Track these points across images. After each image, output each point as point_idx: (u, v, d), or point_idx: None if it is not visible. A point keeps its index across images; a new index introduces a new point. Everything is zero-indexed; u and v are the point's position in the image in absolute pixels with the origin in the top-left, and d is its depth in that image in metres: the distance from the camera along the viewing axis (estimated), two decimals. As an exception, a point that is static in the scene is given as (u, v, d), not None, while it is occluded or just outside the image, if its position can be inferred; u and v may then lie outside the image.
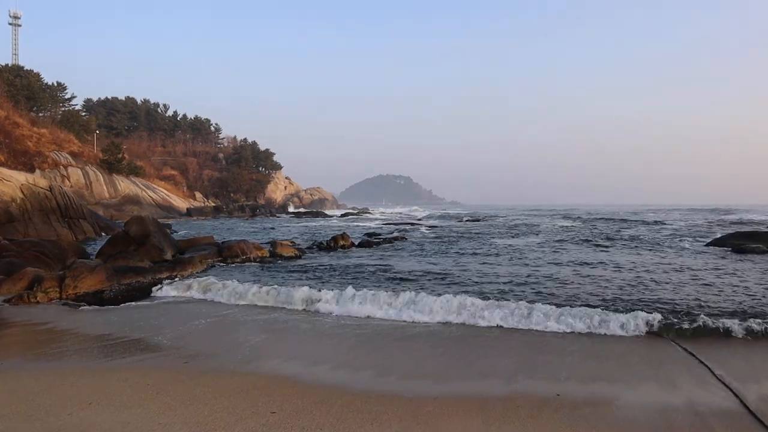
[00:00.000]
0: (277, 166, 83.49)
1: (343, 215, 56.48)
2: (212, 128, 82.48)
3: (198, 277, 10.78)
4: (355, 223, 36.81)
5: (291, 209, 72.24)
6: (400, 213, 67.53)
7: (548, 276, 10.36)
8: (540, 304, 7.19)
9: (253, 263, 13.01)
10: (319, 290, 8.18)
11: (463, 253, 15.09)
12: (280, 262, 13.34)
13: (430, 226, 30.90)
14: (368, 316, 6.86)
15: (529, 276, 10.29)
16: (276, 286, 8.75)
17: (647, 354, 5.39)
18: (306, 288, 8.19)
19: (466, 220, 41.67)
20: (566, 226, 29.96)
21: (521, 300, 7.78)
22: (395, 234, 23.69)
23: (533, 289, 8.88)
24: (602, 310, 6.82)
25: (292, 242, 17.89)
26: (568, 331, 6.10)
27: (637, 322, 6.15)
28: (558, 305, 7.25)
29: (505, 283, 9.52)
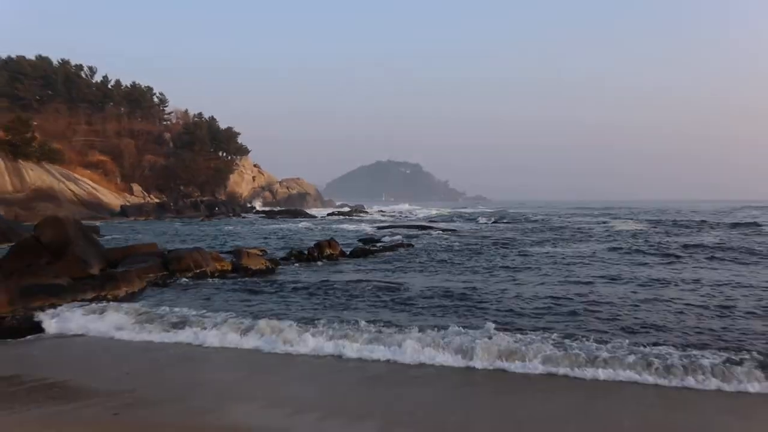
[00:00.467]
0: (243, 151, 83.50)
1: (330, 215, 56.61)
2: (156, 99, 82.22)
3: (134, 301, 10.71)
4: (346, 226, 36.86)
5: (258, 206, 72.00)
6: (406, 211, 67.71)
7: (604, 299, 10.34)
8: (592, 340, 7.13)
9: (210, 280, 13.04)
10: (297, 323, 8.13)
11: (489, 267, 15.11)
12: (246, 278, 13.36)
13: (444, 230, 30.97)
14: (361, 359, 6.79)
15: (577, 299, 10.27)
16: (235, 315, 8.72)
17: (755, 411, 5.28)
18: (276, 322, 8.13)
19: (493, 222, 41.87)
20: (627, 230, 29.96)
21: (568, 334, 7.71)
22: (399, 240, 23.90)
23: (583, 317, 8.86)
24: (682, 349, 6.75)
25: (262, 251, 17.92)
26: (636, 380, 5.90)
27: (735, 369, 5.88)
28: (615, 341, 7.18)
29: (545, 308, 9.49)
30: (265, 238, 27.27)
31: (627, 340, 7.16)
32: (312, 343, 7.28)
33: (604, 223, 38.73)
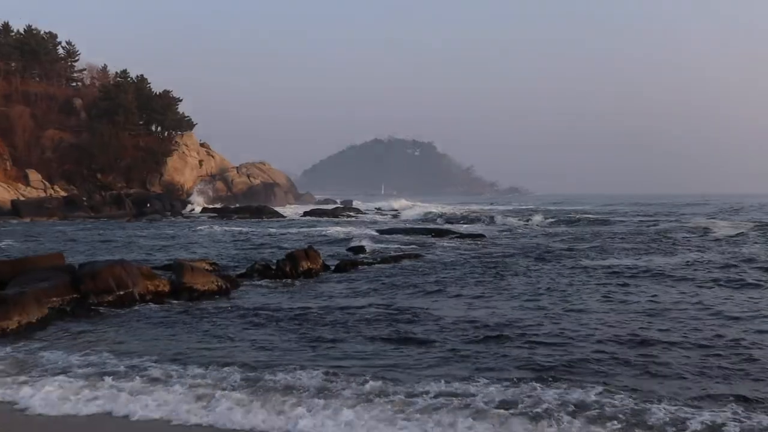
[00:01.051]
0: (186, 124, 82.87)
1: (308, 214, 56.46)
2: (61, 51, 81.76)
3: (30, 337, 10.44)
4: (330, 229, 36.74)
5: (201, 203, 69.82)
6: (404, 207, 67.42)
7: (691, 340, 10.10)
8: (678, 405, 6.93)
9: (139, 306, 12.87)
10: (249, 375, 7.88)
11: (533, 289, 14.99)
12: (190, 303, 13.24)
13: (466, 235, 30.91)
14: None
15: (662, 343, 9.95)
16: (156, 360, 8.41)
17: None
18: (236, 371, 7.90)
19: (537, 224, 41.78)
20: (726, 237, 29.75)
21: (642, 393, 7.47)
22: (404, 249, 23.71)
23: (659, 368, 8.64)
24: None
25: (213, 265, 17.78)
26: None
27: None
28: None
29: (617, 359, 9.19)
30: (218, 246, 27.16)
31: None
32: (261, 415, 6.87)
33: (691, 224, 38.61)
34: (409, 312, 12.15)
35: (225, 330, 10.81)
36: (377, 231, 34.16)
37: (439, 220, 46.91)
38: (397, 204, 79.77)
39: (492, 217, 46.80)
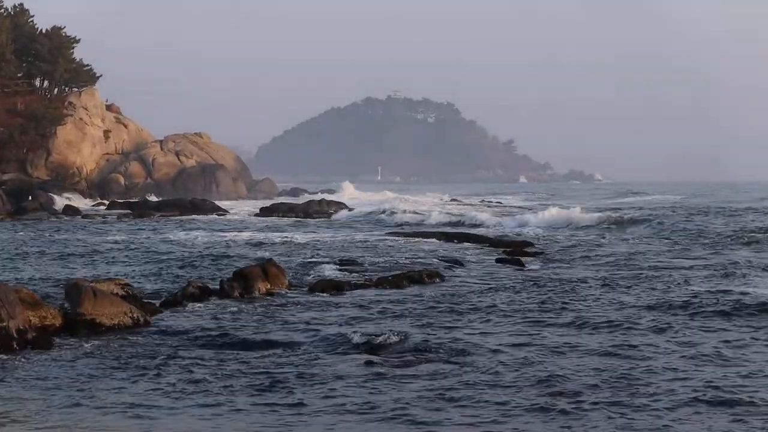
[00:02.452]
0: (85, 77, 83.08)
1: (267, 211, 56.47)
2: None
3: None
4: (305, 235, 36.96)
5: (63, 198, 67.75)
6: (393, 200, 67.47)
7: None
8: None
9: (14, 352, 12.82)
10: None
11: (613, 329, 14.96)
12: (88, 344, 13.25)
13: (502, 246, 31.23)
14: None
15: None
16: None
17: None
18: None
19: (612, 222, 42.13)
20: None
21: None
22: (422, 262, 23.97)
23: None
24: None
25: (126, 287, 17.85)
26: None
27: None
28: None
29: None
30: (133, 259, 27.30)
31: None
32: None
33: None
34: (425, 360, 12.15)
35: (132, 395, 10.49)
36: (373, 237, 34.81)
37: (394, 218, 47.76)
38: (384, 195, 78.13)
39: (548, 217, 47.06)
